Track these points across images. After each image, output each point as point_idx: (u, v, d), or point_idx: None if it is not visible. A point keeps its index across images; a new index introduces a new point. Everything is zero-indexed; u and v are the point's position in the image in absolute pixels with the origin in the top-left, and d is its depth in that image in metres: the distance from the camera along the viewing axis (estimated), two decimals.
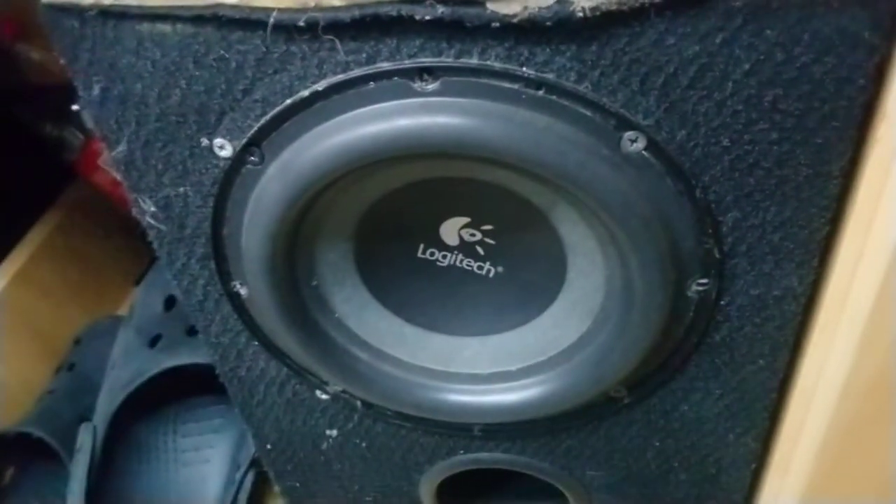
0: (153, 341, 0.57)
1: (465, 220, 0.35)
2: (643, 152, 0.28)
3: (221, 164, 0.31)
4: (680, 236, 0.30)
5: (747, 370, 0.36)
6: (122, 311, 0.76)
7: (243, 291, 0.36)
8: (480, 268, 0.36)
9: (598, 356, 0.35)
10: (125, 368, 0.56)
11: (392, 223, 0.35)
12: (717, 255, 0.31)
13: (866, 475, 0.37)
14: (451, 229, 0.35)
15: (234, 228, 0.33)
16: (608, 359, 0.35)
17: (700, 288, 0.32)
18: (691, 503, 0.44)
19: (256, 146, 0.30)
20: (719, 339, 0.35)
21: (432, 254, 0.36)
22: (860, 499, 0.38)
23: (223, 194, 0.32)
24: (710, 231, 0.30)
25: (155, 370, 0.53)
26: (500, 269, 0.36)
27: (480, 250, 0.36)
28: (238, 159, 0.31)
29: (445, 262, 0.36)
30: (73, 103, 0.31)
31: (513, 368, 0.39)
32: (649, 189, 0.29)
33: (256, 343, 0.39)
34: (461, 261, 0.36)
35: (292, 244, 0.33)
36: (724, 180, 0.29)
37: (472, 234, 0.35)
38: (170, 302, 0.59)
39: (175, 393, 0.60)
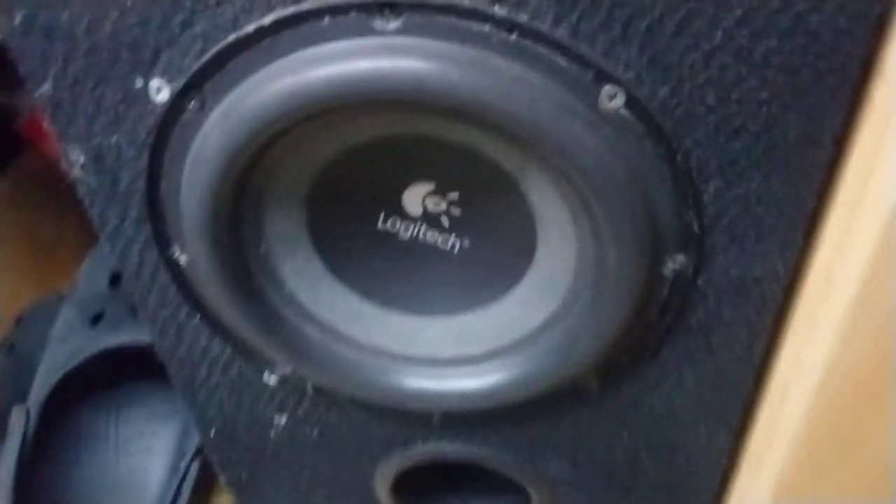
0: (95, 319, 0.53)
1: (430, 186, 0.32)
2: (622, 110, 0.26)
3: (158, 109, 0.28)
4: (658, 207, 0.28)
5: (722, 358, 0.34)
6: None
7: (183, 259, 0.33)
8: (445, 241, 0.34)
9: (566, 339, 0.33)
10: (62, 347, 0.52)
11: (349, 188, 0.32)
12: (697, 230, 0.29)
13: (841, 475, 0.35)
14: (415, 197, 0.33)
15: (172, 185, 0.30)
16: (577, 342, 0.33)
17: (677, 266, 0.30)
18: (658, 500, 0.42)
19: (196, 89, 0.27)
20: (694, 324, 0.32)
21: (394, 224, 0.34)
22: (833, 499, 0.36)
23: (160, 145, 0.29)
24: (691, 202, 0.28)
25: (94, 350, 0.50)
26: (465, 243, 0.34)
27: (445, 222, 0.33)
28: (176, 104, 0.28)
29: (407, 235, 0.34)
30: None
31: (476, 352, 0.36)
32: (627, 152, 0.27)
33: (198, 318, 0.36)
34: (424, 233, 0.33)
35: (237, 205, 0.30)
36: (708, 145, 0.26)
37: (437, 204, 0.33)
38: (116, 278, 0.55)
39: (117, 376, 0.56)
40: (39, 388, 0.52)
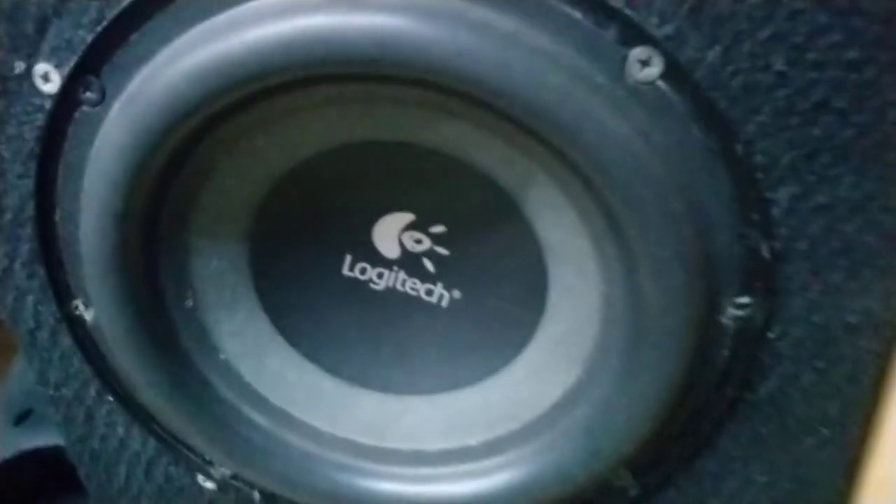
0: (20, 418, 0.45)
1: (409, 217, 0.25)
2: (658, 82, 0.19)
3: (47, 104, 0.21)
4: (712, 223, 0.21)
5: (805, 445, 0.25)
6: None
7: (88, 316, 0.26)
8: (430, 292, 0.26)
9: (591, 420, 0.25)
10: None
11: (304, 220, 0.26)
12: (766, 255, 0.21)
13: None
14: (390, 232, 0.26)
15: (68, 211, 0.23)
16: (606, 423, 0.24)
17: (740, 311, 0.23)
18: None
19: (94, 73, 0.21)
20: (765, 395, 0.24)
21: (363, 271, 0.26)
22: None
23: (50, 155, 0.22)
24: (756, 216, 0.21)
25: (9, 453, 0.41)
26: (455, 294, 0.26)
27: (430, 265, 0.26)
28: (68, 96, 0.21)
29: (381, 285, 0.27)
30: None
31: (473, 442, 0.28)
32: (668, 143, 0.20)
33: (111, 398, 0.28)
34: (403, 282, 0.26)
35: (151, 236, 0.23)
36: (777, 130, 0.20)
37: (418, 241, 0.26)
38: None
39: (45, 487, 0.46)
40: None
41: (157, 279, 0.24)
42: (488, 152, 0.22)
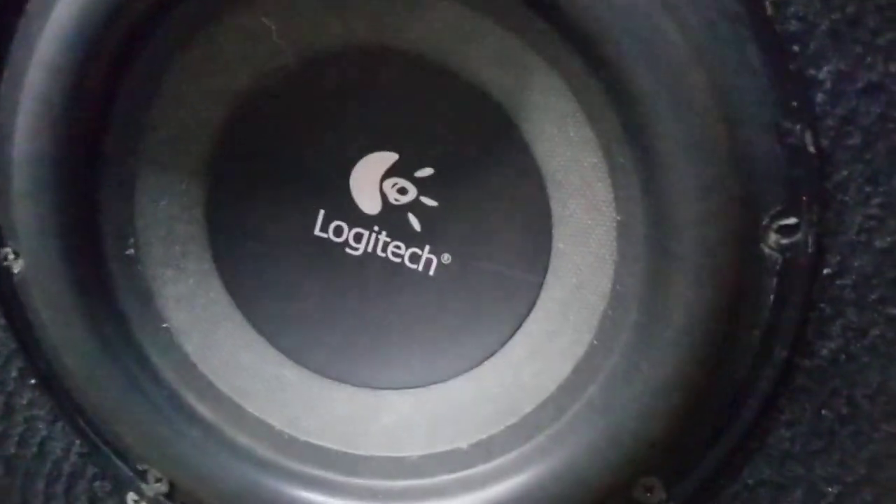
0: None
1: (391, 157, 0.22)
2: None
3: None
4: (743, 109, 0.17)
5: (884, 435, 0.20)
6: None
7: (17, 266, 0.22)
8: (415, 258, 0.23)
9: (606, 396, 0.20)
10: None
11: (271, 161, 0.22)
12: (812, 152, 0.18)
13: None
14: (370, 179, 0.23)
15: (9, 125, 0.21)
16: (625, 397, 0.20)
17: (785, 238, 0.18)
18: None
19: None
20: (827, 359, 0.20)
21: (338, 231, 0.23)
22: None
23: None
24: (796, 102, 0.17)
25: None
26: (445, 258, 0.23)
27: (415, 222, 0.23)
28: None
29: (359, 249, 0.23)
30: None
31: (463, 445, 0.23)
32: (682, 4, 0.17)
33: (34, 380, 0.23)
34: (385, 246, 0.23)
35: (94, 147, 0.20)
36: None
37: (402, 191, 0.22)
38: None
39: None
40: None
41: (95, 209, 0.21)
42: (479, 49, 0.20)
